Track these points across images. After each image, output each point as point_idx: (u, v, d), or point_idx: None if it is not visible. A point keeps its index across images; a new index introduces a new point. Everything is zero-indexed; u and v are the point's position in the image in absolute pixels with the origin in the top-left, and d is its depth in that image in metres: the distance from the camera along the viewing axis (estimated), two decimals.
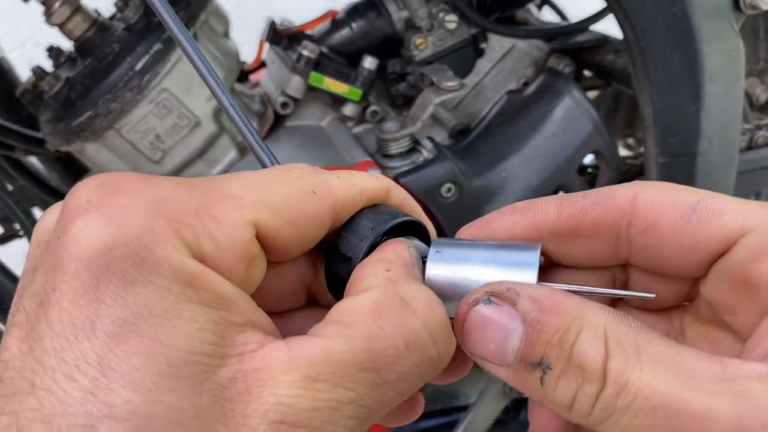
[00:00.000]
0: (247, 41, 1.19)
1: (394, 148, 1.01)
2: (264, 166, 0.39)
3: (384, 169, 1.00)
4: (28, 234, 1.09)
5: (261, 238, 0.31)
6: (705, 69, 0.88)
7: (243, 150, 1.03)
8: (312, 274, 0.39)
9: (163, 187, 0.30)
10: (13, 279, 1.02)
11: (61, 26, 0.94)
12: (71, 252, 0.28)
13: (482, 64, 1.09)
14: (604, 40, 1.09)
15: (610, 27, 1.01)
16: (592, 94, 1.20)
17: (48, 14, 0.94)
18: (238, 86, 1.07)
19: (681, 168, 0.94)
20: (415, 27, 1.06)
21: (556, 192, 1.03)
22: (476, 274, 0.35)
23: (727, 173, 0.97)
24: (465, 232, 0.38)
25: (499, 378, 0.32)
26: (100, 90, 0.92)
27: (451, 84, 1.01)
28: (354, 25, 1.07)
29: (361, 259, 0.35)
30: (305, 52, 1.02)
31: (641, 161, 1.18)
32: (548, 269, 0.39)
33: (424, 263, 0.36)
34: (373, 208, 0.37)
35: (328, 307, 0.38)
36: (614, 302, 0.40)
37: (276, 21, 1.11)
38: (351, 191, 0.35)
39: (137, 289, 0.27)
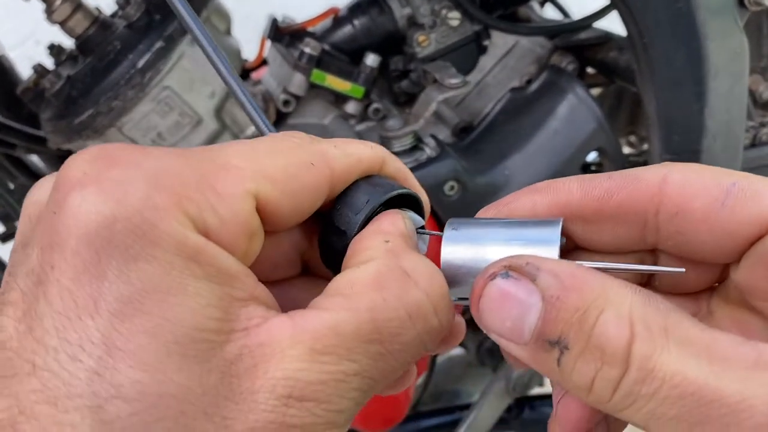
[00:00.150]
0: (248, 39, 1.19)
1: (397, 146, 1.01)
2: None
3: None
4: None
5: (260, 210, 0.31)
6: (709, 66, 0.88)
7: None
8: (306, 243, 0.38)
9: (161, 159, 0.29)
10: None
11: (63, 24, 0.94)
12: (69, 228, 0.27)
13: (485, 62, 1.09)
14: (607, 37, 1.09)
15: (613, 24, 1.01)
16: (596, 91, 1.19)
17: (49, 12, 0.93)
18: None
19: None
20: (418, 24, 1.06)
21: None
22: (494, 252, 0.33)
23: None
24: (484, 213, 0.38)
25: (515, 357, 0.31)
26: (102, 88, 0.92)
27: (454, 81, 1.00)
28: (356, 22, 1.07)
29: (356, 233, 0.35)
30: (307, 50, 1.01)
31: (644, 158, 1.18)
32: (572, 253, 0.37)
33: (419, 235, 0.36)
34: (368, 179, 0.36)
35: (323, 276, 0.38)
36: (642, 284, 0.37)
37: (278, 18, 1.11)
38: (347, 161, 0.35)
39: (140, 264, 0.26)
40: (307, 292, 0.31)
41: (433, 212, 1.01)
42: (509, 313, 0.30)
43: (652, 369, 0.27)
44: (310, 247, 0.38)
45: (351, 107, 1.07)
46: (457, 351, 1.35)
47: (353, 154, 0.35)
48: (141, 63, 0.92)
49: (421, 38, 1.05)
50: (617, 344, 0.28)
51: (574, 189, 0.35)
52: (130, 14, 0.94)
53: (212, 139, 1.00)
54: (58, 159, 1.14)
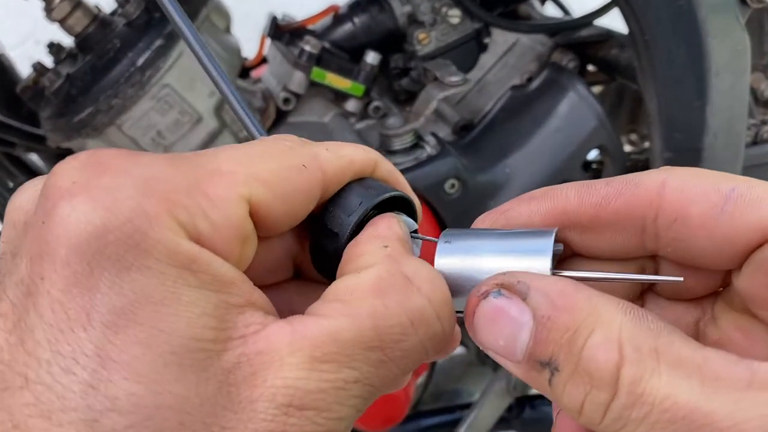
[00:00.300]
0: (248, 37, 1.19)
1: (398, 144, 1.01)
2: None
3: None
4: None
5: (253, 214, 0.30)
6: (711, 63, 0.88)
7: None
8: (298, 246, 0.38)
9: (152, 165, 0.29)
10: None
11: (62, 22, 0.94)
12: (59, 238, 0.26)
13: (486, 60, 1.09)
14: (608, 35, 1.08)
15: (614, 21, 1.01)
16: (597, 89, 1.19)
17: (48, 10, 0.93)
18: (239, 82, 1.07)
19: (686, 163, 0.93)
20: (418, 22, 1.06)
21: None
22: (488, 264, 0.33)
23: (733, 168, 0.96)
24: (481, 221, 0.37)
25: (512, 372, 0.31)
26: (101, 86, 0.92)
27: (454, 79, 1.00)
28: (356, 20, 1.07)
29: (349, 235, 0.34)
30: (307, 48, 1.01)
31: (645, 156, 1.18)
32: (570, 260, 0.37)
33: (413, 238, 0.36)
34: (360, 181, 0.36)
35: (315, 279, 0.37)
36: (645, 291, 0.38)
37: (277, 16, 1.11)
38: (340, 164, 0.34)
39: (133, 275, 0.26)
40: (300, 296, 0.31)
41: (433, 210, 1.01)
42: (502, 332, 0.30)
43: (641, 393, 0.27)
44: (303, 251, 0.38)
45: (351, 105, 1.06)
46: (458, 350, 1.35)
47: (345, 156, 0.35)
48: (140, 61, 0.92)
49: (421, 36, 1.05)
50: (606, 368, 0.27)
51: (571, 196, 0.35)
52: (130, 12, 0.94)
53: (212, 138, 1.00)
54: (57, 157, 1.14)
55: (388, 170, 0.38)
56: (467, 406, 1.19)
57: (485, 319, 0.31)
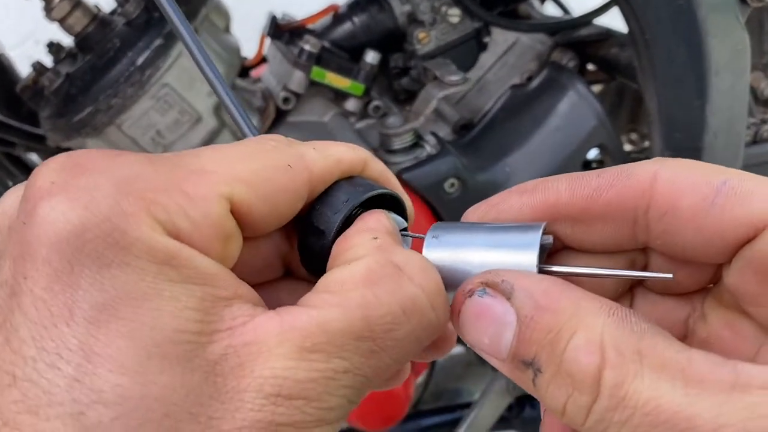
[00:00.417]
0: (248, 37, 1.19)
1: (397, 144, 1.01)
2: None
3: (387, 165, 0.99)
4: None
5: (236, 214, 0.30)
6: (710, 62, 0.88)
7: None
8: (287, 245, 0.38)
9: (131, 165, 0.29)
10: None
11: (62, 22, 0.94)
12: (39, 237, 0.26)
13: (485, 59, 1.09)
14: (608, 34, 1.08)
15: (614, 20, 1.01)
16: (596, 88, 1.19)
17: (48, 9, 0.93)
18: (239, 81, 1.07)
19: None
20: (418, 21, 1.06)
21: None
22: (475, 258, 0.33)
23: (733, 167, 0.96)
24: (472, 213, 0.37)
25: (499, 370, 0.31)
26: (101, 85, 0.92)
27: (454, 78, 1.00)
28: (356, 19, 1.07)
29: (335, 233, 0.34)
30: (307, 47, 1.01)
31: (646, 155, 1.18)
32: (562, 253, 0.36)
33: (402, 236, 0.36)
34: (349, 180, 0.36)
35: (306, 278, 0.37)
36: (635, 285, 0.37)
37: (277, 16, 1.11)
38: (326, 163, 0.34)
39: (113, 271, 0.26)
40: (291, 294, 0.31)
41: (433, 209, 1.01)
42: (486, 330, 0.31)
43: (623, 396, 0.26)
44: (292, 249, 0.38)
45: (351, 105, 1.06)
46: (458, 350, 1.35)
47: (332, 155, 0.35)
48: (140, 60, 0.92)
49: (421, 35, 1.05)
50: (587, 370, 0.27)
51: (562, 188, 0.34)
52: (129, 12, 0.94)
53: (211, 137, 1.00)
54: None
55: (378, 169, 0.38)
56: (467, 406, 1.19)
57: (471, 317, 0.31)
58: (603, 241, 0.35)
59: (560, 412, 0.28)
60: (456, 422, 1.17)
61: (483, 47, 1.09)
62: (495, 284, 0.31)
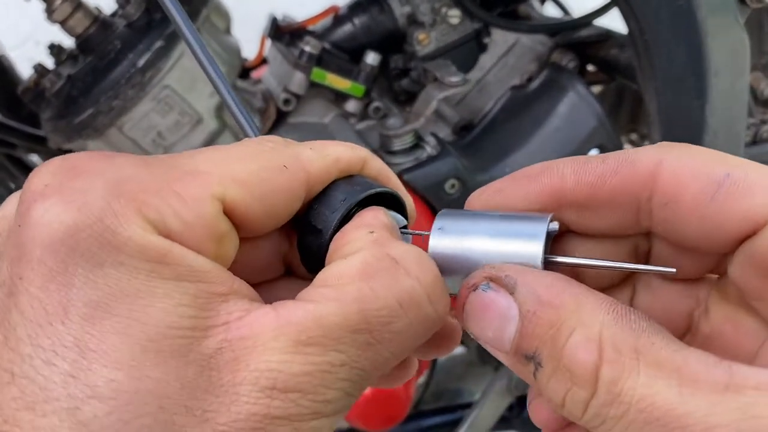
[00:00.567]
0: (248, 38, 1.19)
1: (398, 145, 1.01)
2: None
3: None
4: None
5: (230, 214, 0.31)
6: (710, 63, 0.88)
7: None
8: (287, 244, 0.38)
9: (124, 166, 0.29)
10: None
11: (63, 23, 0.94)
12: (34, 238, 0.27)
13: (485, 60, 1.09)
14: (607, 35, 1.08)
15: (613, 21, 1.01)
16: (596, 88, 1.19)
17: (49, 11, 0.93)
18: (239, 83, 1.07)
19: None
20: (418, 22, 1.06)
21: None
22: (482, 249, 0.33)
23: None
24: (476, 198, 0.37)
25: (502, 361, 0.32)
26: (102, 87, 0.92)
27: (454, 80, 1.00)
28: (356, 20, 1.07)
29: (333, 231, 0.34)
30: (307, 48, 1.01)
31: None
32: (566, 238, 0.36)
33: (402, 234, 0.35)
34: (347, 179, 0.36)
35: (306, 277, 0.37)
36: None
37: (277, 17, 1.11)
38: (324, 162, 0.34)
39: (106, 270, 0.27)
40: (291, 293, 0.31)
41: (434, 210, 1.01)
42: (490, 324, 0.31)
43: (619, 393, 0.27)
44: (292, 249, 0.38)
45: (351, 106, 1.07)
46: (459, 350, 1.35)
47: (330, 154, 0.35)
48: (141, 62, 0.92)
49: (421, 36, 1.05)
50: (585, 367, 0.28)
51: (567, 174, 0.34)
52: (130, 13, 0.94)
53: (212, 138, 1.00)
54: None
55: (378, 168, 0.38)
56: (468, 406, 1.19)
57: (475, 311, 0.32)
58: (607, 227, 0.35)
59: (560, 405, 0.29)
60: (457, 422, 1.17)
61: (483, 48, 1.09)
62: (499, 279, 0.31)
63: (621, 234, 0.35)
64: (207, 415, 0.26)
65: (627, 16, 0.88)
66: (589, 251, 0.36)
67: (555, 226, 0.34)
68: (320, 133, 1.06)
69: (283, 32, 1.08)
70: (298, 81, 1.03)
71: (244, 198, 0.31)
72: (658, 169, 0.32)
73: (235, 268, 0.31)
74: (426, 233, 0.35)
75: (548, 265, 0.33)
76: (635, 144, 1.29)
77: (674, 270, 0.33)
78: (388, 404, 1.18)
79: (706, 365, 0.27)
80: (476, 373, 1.38)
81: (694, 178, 0.31)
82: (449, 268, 0.34)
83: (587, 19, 1.07)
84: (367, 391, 1.15)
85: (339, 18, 1.08)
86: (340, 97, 1.06)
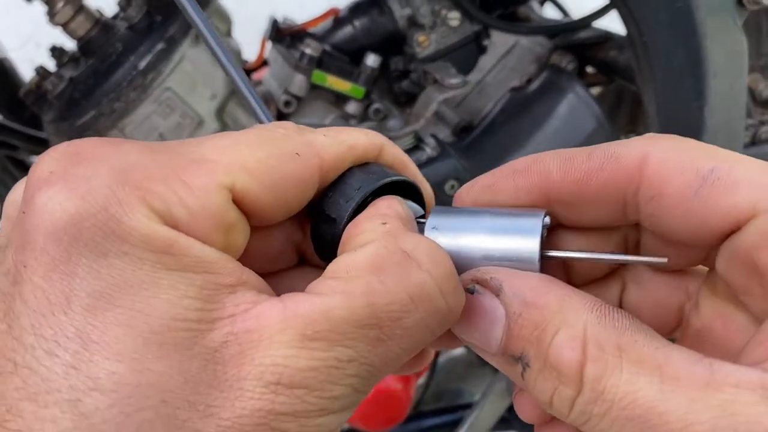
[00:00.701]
0: (249, 40, 1.19)
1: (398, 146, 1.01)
2: None
3: None
4: None
5: (240, 203, 0.30)
6: (708, 64, 0.88)
7: None
8: (300, 233, 0.37)
9: (130, 154, 0.29)
10: None
11: (65, 26, 0.94)
12: (38, 226, 0.26)
13: (485, 61, 1.09)
14: (607, 37, 1.09)
15: (612, 23, 1.01)
16: (596, 90, 1.20)
17: (51, 14, 0.94)
18: None
19: None
20: (418, 24, 1.06)
21: None
22: (478, 248, 0.33)
23: None
24: (466, 193, 0.36)
25: (490, 363, 0.32)
26: (104, 89, 0.92)
27: (454, 81, 1.01)
28: (356, 22, 1.07)
29: (347, 221, 0.33)
30: (308, 51, 1.02)
31: None
32: (555, 231, 0.36)
33: (419, 225, 0.35)
34: (363, 166, 0.35)
35: (320, 266, 0.36)
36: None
37: (278, 19, 1.11)
38: (338, 149, 0.33)
39: (110, 260, 0.26)
40: (305, 282, 0.30)
41: None
42: (477, 326, 0.31)
43: (602, 390, 0.27)
44: (306, 238, 0.37)
45: (351, 107, 1.07)
46: (459, 351, 1.35)
47: (345, 141, 0.34)
48: (142, 65, 0.92)
49: (421, 38, 1.05)
50: (570, 366, 0.28)
51: (553, 171, 0.34)
52: (132, 16, 0.95)
53: None
54: None
55: (395, 155, 0.37)
56: (468, 406, 1.19)
57: (462, 313, 0.31)
58: (595, 220, 0.35)
59: (548, 404, 0.29)
60: (457, 423, 1.17)
61: (482, 50, 1.09)
62: (485, 281, 0.31)
63: (609, 226, 0.35)
64: (211, 410, 0.26)
65: (626, 19, 0.89)
66: (579, 244, 0.36)
67: (547, 220, 0.34)
68: None
69: (283, 34, 1.09)
70: (298, 83, 1.03)
71: (254, 186, 0.30)
72: (644, 163, 0.31)
73: (246, 258, 0.30)
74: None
75: (544, 259, 0.33)
76: None
77: (665, 260, 0.33)
78: (389, 405, 1.18)
79: (688, 362, 0.27)
80: (476, 374, 1.39)
81: (679, 172, 0.30)
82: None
83: (586, 21, 1.08)
84: None
85: (339, 20, 1.09)
86: (340, 98, 1.06)
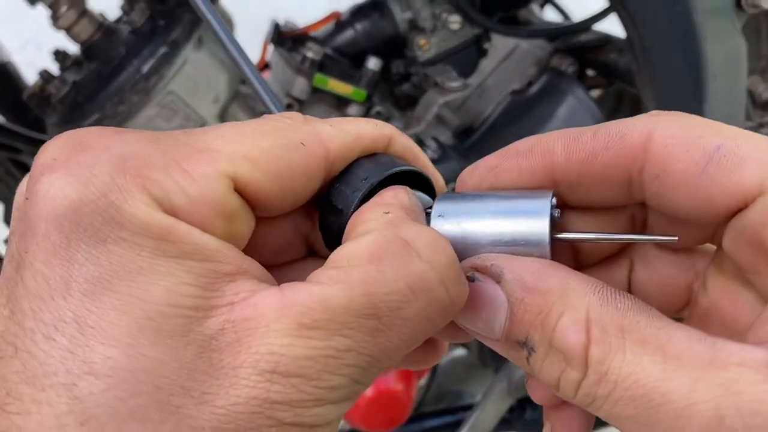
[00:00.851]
0: (251, 43, 1.20)
1: None
2: None
3: None
4: None
5: (243, 193, 0.30)
6: (708, 67, 0.89)
7: None
8: (309, 225, 0.37)
9: (133, 142, 0.29)
10: None
11: (68, 30, 0.95)
12: (39, 212, 0.27)
13: (485, 64, 1.10)
14: (606, 40, 1.09)
15: (612, 26, 1.02)
16: (596, 92, 1.20)
17: (55, 18, 0.94)
18: (242, 88, 1.08)
19: None
20: (419, 28, 1.07)
21: None
22: (486, 232, 0.33)
23: None
24: (469, 176, 0.36)
25: (494, 349, 0.32)
26: (107, 93, 0.93)
27: (454, 84, 1.01)
28: (358, 26, 1.08)
29: (353, 211, 0.33)
30: (309, 54, 1.02)
31: None
32: (562, 212, 0.35)
33: (427, 216, 0.34)
34: (371, 157, 0.34)
35: (327, 257, 0.37)
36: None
37: (280, 23, 1.12)
38: (344, 139, 0.33)
39: (109, 246, 0.26)
40: None
41: None
42: (479, 314, 0.31)
43: (606, 372, 0.27)
44: (314, 230, 0.37)
45: (353, 110, 1.08)
46: (460, 352, 1.35)
47: (351, 131, 0.33)
48: (145, 68, 0.93)
49: (422, 42, 1.06)
50: (575, 349, 0.28)
51: (558, 151, 0.33)
52: (135, 20, 0.95)
53: None
54: None
55: (405, 145, 0.36)
56: (469, 408, 1.20)
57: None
58: (601, 200, 0.34)
59: (555, 387, 0.29)
60: (458, 424, 1.18)
61: (483, 53, 1.10)
62: (485, 268, 0.31)
63: (615, 205, 0.35)
64: (205, 397, 0.26)
65: (625, 22, 0.89)
66: (586, 224, 0.35)
67: (554, 201, 0.34)
68: None
69: (285, 38, 1.09)
70: (300, 86, 1.04)
71: (257, 175, 0.30)
72: (649, 141, 0.31)
73: (252, 248, 0.31)
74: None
75: (554, 242, 0.32)
76: None
77: (675, 238, 0.32)
78: (390, 406, 1.18)
79: (691, 341, 0.27)
80: (477, 376, 1.39)
81: (685, 150, 0.30)
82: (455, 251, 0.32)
83: (586, 24, 1.08)
84: (369, 393, 1.15)
85: (341, 24, 1.09)
86: (341, 102, 1.07)
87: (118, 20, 1.02)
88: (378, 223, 0.31)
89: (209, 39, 1.01)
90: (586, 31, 1.11)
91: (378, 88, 1.09)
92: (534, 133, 1.10)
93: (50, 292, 0.26)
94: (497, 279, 0.31)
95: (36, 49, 1.81)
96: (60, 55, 1.01)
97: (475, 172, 0.35)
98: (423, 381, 1.30)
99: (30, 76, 1.02)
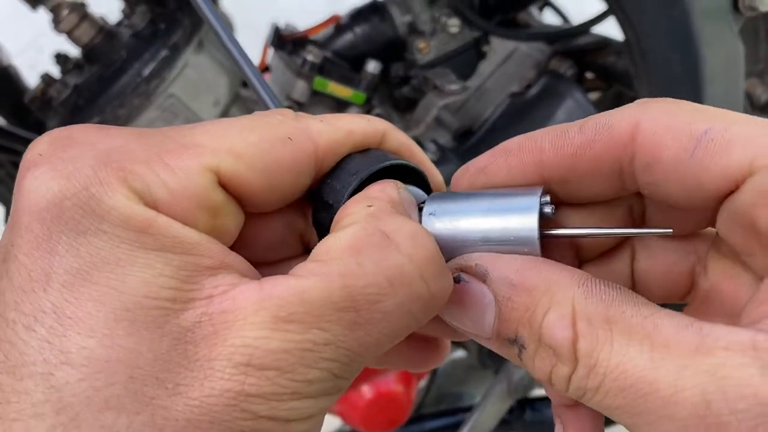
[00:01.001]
0: (251, 46, 1.20)
1: None
2: None
3: None
4: None
5: (228, 187, 0.30)
6: (705, 70, 0.89)
7: None
8: (304, 222, 0.37)
9: (118, 138, 0.30)
10: None
11: (69, 33, 0.95)
12: (24, 206, 0.27)
13: (484, 67, 1.10)
14: (605, 42, 1.10)
15: (611, 29, 1.02)
16: (594, 95, 1.21)
17: (56, 21, 0.95)
18: (243, 91, 1.08)
19: None
20: (418, 31, 1.07)
21: None
22: (476, 230, 0.32)
23: None
24: (461, 177, 0.36)
25: (486, 347, 0.32)
26: (108, 96, 0.93)
27: (454, 87, 1.02)
28: (357, 29, 1.08)
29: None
30: (310, 57, 1.03)
31: None
32: (557, 209, 0.35)
33: (420, 210, 0.34)
34: (363, 152, 0.34)
35: None
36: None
37: (280, 26, 1.12)
38: (334, 135, 0.33)
39: (89, 238, 0.27)
40: None
41: None
42: (468, 314, 0.31)
43: (594, 364, 0.27)
44: (309, 226, 0.37)
45: (352, 113, 1.08)
46: (460, 354, 1.36)
47: (342, 127, 0.33)
48: (146, 71, 0.93)
49: (421, 45, 1.06)
50: (563, 344, 0.28)
51: (546, 148, 0.33)
52: (136, 24, 0.96)
53: None
54: None
55: (400, 141, 0.36)
56: (469, 409, 1.20)
57: (450, 302, 0.31)
58: (594, 194, 0.34)
59: (547, 381, 0.30)
60: (458, 425, 1.18)
61: (482, 56, 1.10)
62: (469, 268, 0.31)
63: (610, 198, 0.34)
64: (179, 389, 0.26)
65: (623, 25, 0.89)
66: (583, 219, 0.35)
67: (547, 199, 0.34)
68: None
69: (285, 41, 1.10)
70: (300, 89, 1.04)
71: (242, 170, 0.30)
72: (636, 131, 0.31)
73: (243, 244, 0.31)
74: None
75: (545, 238, 0.32)
76: None
77: (671, 230, 0.32)
78: (390, 408, 1.19)
79: (677, 328, 0.27)
80: (477, 377, 1.39)
81: (673, 137, 0.30)
82: (445, 252, 0.32)
83: (585, 27, 1.09)
84: (369, 394, 1.16)
85: (340, 27, 1.10)
86: (341, 105, 1.07)
87: (119, 24, 1.02)
88: (359, 216, 0.30)
89: (210, 42, 1.02)
90: (584, 34, 1.11)
91: (377, 91, 1.09)
92: None
93: (31, 284, 0.27)
94: (482, 278, 0.31)
95: (37, 52, 1.81)
96: (61, 59, 1.01)
97: (467, 174, 0.36)
98: (423, 382, 1.30)
99: (31, 79, 1.03)
